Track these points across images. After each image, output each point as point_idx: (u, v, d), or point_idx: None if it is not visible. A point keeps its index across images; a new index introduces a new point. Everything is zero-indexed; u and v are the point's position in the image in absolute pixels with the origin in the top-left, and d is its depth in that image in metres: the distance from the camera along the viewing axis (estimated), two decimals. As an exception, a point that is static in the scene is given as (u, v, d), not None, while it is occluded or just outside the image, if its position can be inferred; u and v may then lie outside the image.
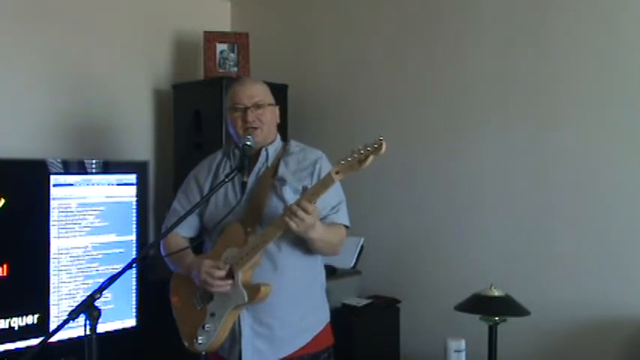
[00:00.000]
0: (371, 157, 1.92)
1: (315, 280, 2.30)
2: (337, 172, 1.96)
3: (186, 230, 2.31)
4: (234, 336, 2.17)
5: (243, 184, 2.13)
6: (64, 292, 2.93)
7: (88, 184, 3.02)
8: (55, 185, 2.91)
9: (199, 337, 2.15)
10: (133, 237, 3.16)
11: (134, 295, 3.17)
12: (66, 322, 1.62)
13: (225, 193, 2.21)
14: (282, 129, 3.57)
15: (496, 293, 2.47)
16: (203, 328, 2.15)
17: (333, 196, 2.14)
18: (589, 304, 2.77)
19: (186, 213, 2.13)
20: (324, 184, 1.99)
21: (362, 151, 1.93)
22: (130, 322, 3.16)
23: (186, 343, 2.22)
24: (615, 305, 2.71)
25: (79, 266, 2.98)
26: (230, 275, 2.09)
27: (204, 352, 2.20)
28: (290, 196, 2.15)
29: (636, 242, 2.68)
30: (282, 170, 2.21)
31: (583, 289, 2.79)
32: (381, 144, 1.91)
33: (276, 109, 2.29)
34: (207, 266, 2.09)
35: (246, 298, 2.09)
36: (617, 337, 2.70)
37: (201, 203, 2.16)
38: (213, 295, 2.14)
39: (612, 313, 2.71)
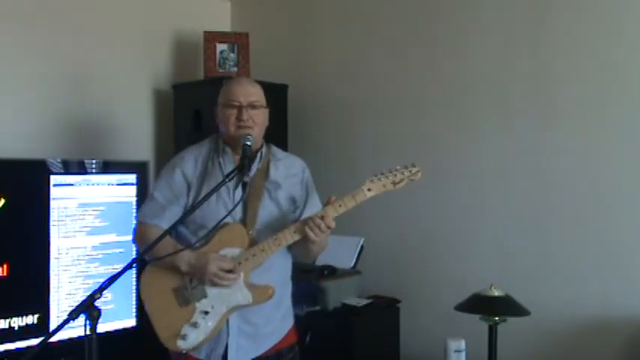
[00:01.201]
0: (406, 181, 2.05)
1: (289, 279, 2.35)
2: (369, 190, 2.07)
3: (167, 223, 2.18)
4: (220, 335, 2.16)
5: (244, 184, 2.13)
6: (64, 292, 2.93)
7: (88, 184, 3.02)
8: (55, 185, 2.91)
9: (188, 335, 2.12)
10: (133, 237, 3.15)
11: (134, 295, 3.17)
12: (66, 322, 1.62)
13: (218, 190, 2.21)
14: (282, 129, 3.60)
15: (496, 293, 2.46)
16: (194, 325, 2.12)
17: (318, 203, 2.23)
18: (589, 304, 2.77)
19: (187, 212, 2.11)
20: (355, 198, 2.07)
21: (396, 174, 2.06)
22: (130, 322, 3.17)
23: (163, 341, 2.17)
24: (615, 305, 2.71)
25: (79, 266, 2.99)
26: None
27: (184, 351, 2.16)
28: (283, 200, 2.22)
29: (636, 242, 2.68)
30: (273, 174, 2.23)
31: (583, 289, 2.79)
32: (418, 171, 2.08)
33: (267, 112, 2.28)
34: (216, 259, 2.08)
35: (250, 299, 2.11)
36: (617, 337, 2.70)
37: (201, 204, 2.11)
38: (207, 293, 2.13)
39: (612, 313, 2.71)
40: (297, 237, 2.09)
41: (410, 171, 2.07)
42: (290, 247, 2.23)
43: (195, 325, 2.13)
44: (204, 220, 2.15)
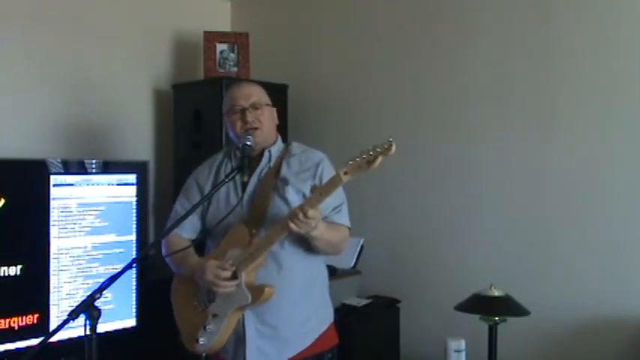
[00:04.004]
0: (380, 158, 1.93)
1: (317, 280, 2.30)
2: (345, 173, 1.97)
3: (188, 232, 2.30)
4: (238, 337, 2.17)
5: (244, 184, 2.13)
6: (64, 292, 2.93)
7: (88, 184, 3.02)
8: (55, 185, 2.91)
9: (200, 338, 2.15)
10: (133, 237, 3.15)
11: (134, 295, 3.17)
12: (66, 322, 1.62)
13: (227, 193, 2.22)
14: (282, 129, 3.57)
15: (496, 293, 2.47)
16: (205, 329, 2.15)
17: (335, 197, 2.13)
18: (589, 304, 2.77)
19: (186, 213, 2.13)
20: (333, 183, 1.99)
21: (371, 152, 1.94)
22: (130, 322, 3.16)
23: (186, 344, 2.22)
24: (615, 305, 2.71)
25: (79, 266, 2.98)
26: (234, 276, 2.10)
27: (204, 354, 2.20)
28: (292, 196, 2.17)
29: (636, 242, 2.68)
30: (284, 171, 2.22)
31: (583, 289, 2.79)
32: (391, 145, 1.93)
33: (274, 110, 2.29)
34: (213, 267, 2.09)
35: (249, 299, 2.09)
36: (617, 337, 2.70)
37: (200, 203, 2.15)
38: (215, 297, 2.14)
39: (612, 313, 2.71)
40: (285, 232, 2.04)
41: (383, 146, 1.95)
42: (309, 248, 2.18)
43: (207, 328, 2.15)
44: (216, 224, 2.18)
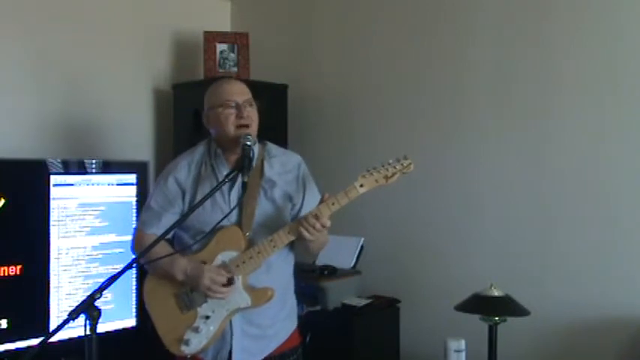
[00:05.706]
0: (398, 175, 2.00)
1: (292, 278, 2.34)
2: (362, 186, 2.03)
3: (161, 230, 2.14)
4: (224, 337, 2.16)
5: (244, 185, 2.12)
6: (64, 292, 2.93)
7: (88, 184, 3.03)
8: (55, 185, 2.91)
9: (191, 340, 2.11)
10: (133, 237, 3.15)
11: (134, 295, 3.17)
12: (66, 322, 1.62)
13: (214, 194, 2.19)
14: (282, 129, 3.60)
15: (496, 293, 2.46)
16: (196, 330, 2.12)
17: (318, 197, 2.16)
18: (589, 304, 2.77)
19: (182, 217, 2.10)
20: (348, 195, 2.04)
21: (389, 168, 1.99)
22: (130, 322, 3.16)
23: (169, 346, 2.17)
24: (615, 305, 2.71)
25: (79, 266, 2.99)
26: (229, 280, 2.09)
27: (189, 356, 2.16)
28: (279, 199, 2.19)
29: (636, 242, 2.68)
30: (268, 172, 2.21)
31: (583, 289, 2.79)
32: (410, 164, 2.02)
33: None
34: (212, 273, 2.07)
35: (249, 302, 2.10)
36: (617, 337, 2.70)
37: (200, 204, 2.08)
38: (206, 298, 2.12)
39: (612, 313, 2.71)
40: (291, 237, 2.08)
41: (402, 164, 2.02)
42: (292, 246, 2.23)
43: (197, 329, 2.12)
44: (202, 225, 2.15)
